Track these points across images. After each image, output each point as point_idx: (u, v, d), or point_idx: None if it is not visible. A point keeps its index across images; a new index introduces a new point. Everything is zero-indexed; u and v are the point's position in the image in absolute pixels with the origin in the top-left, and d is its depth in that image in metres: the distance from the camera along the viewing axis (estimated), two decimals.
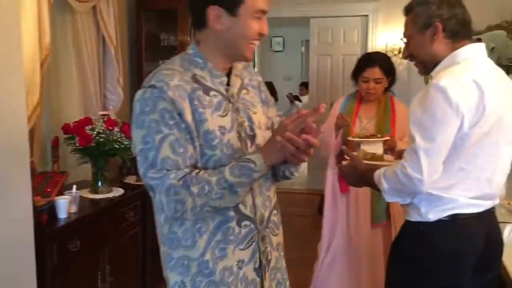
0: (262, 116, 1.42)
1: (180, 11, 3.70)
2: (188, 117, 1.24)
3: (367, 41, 5.31)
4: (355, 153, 2.03)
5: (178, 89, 1.24)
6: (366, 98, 2.68)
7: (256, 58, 5.96)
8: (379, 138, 2.36)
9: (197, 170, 1.25)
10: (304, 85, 7.45)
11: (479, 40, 5.50)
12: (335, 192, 2.63)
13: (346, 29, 5.52)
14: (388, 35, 5.20)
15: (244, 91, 1.39)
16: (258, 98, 1.44)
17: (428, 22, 1.59)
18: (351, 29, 5.48)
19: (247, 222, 1.33)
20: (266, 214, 1.38)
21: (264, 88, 1.48)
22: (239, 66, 1.42)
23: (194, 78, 1.29)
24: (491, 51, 5.90)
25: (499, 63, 5.65)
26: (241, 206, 1.32)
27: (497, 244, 1.69)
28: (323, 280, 2.70)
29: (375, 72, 2.59)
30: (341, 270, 2.66)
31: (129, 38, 3.89)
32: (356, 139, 2.38)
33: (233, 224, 1.31)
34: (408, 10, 1.67)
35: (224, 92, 1.33)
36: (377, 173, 1.64)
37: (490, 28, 5.36)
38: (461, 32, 1.58)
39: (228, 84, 1.35)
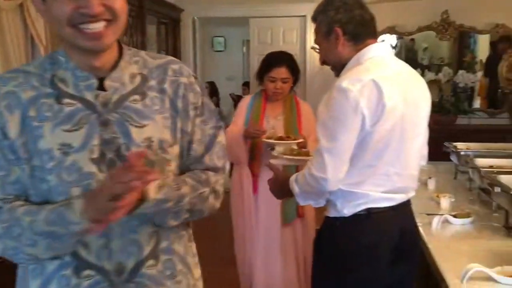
0: (159, 131, 1.06)
1: None
2: (13, 133, 0.99)
3: (305, 41, 5.41)
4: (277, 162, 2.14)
5: (8, 97, 1.00)
6: (273, 97, 2.68)
7: (197, 58, 5.87)
8: (292, 140, 2.45)
9: (19, 202, 1.00)
10: (247, 85, 7.47)
11: (409, 38, 5.75)
12: (245, 194, 2.67)
13: (285, 30, 5.59)
14: None
15: (135, 97, 1.05)
16: (164, 106, 1.08)
17: (329, 28, 1.66)
18: (290, 29, 5.56)
19: (90, 272, 1.01)
20: (130, 264, 1.03)
21: (189, 92, 1.13)
22: (147, 63, 1.11)
23: (52, 82, 1.03)
24: (424, 51, 6.18)
25: (431, 63, 6.00)
26: (81, 249, 1.00)
27: (412, 236, 1.77)
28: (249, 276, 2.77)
29: (282, 72, 2.60)
30: (260, 267, 2.72)
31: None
32: (269, 141, 2.45)
33: (69, 272, 1.01)
34: (313, 19, 1.75)
35: (91, 98, 1.02)
36: (291, 179, 1.69)
37: (420, 29, 5.59)
38: (362, 33, 1.65)
39: (102, 87, 1.04)
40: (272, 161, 2.20)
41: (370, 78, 1.53)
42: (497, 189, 1.94)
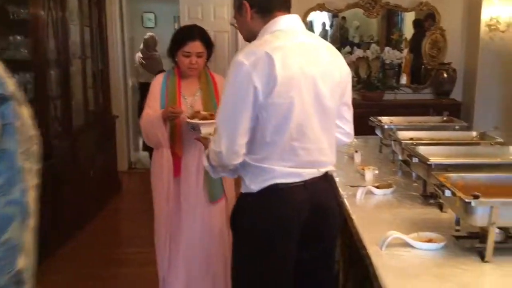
0: None
1: None
2: None
3: None
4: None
5: None
6: (188, 73, 2.55)
7: (125, 36, 5.65)
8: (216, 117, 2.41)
9: None
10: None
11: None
12: (166, 178, 2.54)
13: (216, 6, 5.50)
14: None
15: None
16: None
17: (239, 3, 1.67)
18: (220, 5, 5.47)
19: None
20: None
21: None
22: None
23: None
24: (356, 30, 6.31)
25: (362, 40, 6.14)
26: None
27: (328, 213, 1.74)
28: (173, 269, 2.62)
29: (197, 46, 2.47)
30: (184, 255, 2.59)
31: None
32: (193, 121, 2.38)
33: None
34: None
35: None
36: (204, 153, 1.72)
37: (349, 6, 5.69)
38: (270, 6, 1.63)
39: None
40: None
41: (264, 51, 1.52)
42: (415, 160, 2.02)
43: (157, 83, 2.58)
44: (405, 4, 5.65)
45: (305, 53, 1.60)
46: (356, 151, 2.86)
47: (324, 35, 6.42)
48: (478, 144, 2.40)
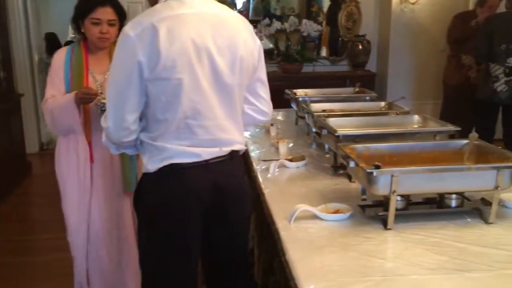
0: None
1: None
2: None
3: None
4: None
5: None
6: (98, 45, 2.22)
7: (28, 5, 5.19)
8: None
9: None
10: None
11: None
12: (82, 165, 2.28)
13: None
14: None
15: None
16: None
17: None
18: None
19: None
20: None
21: None
22: None
23: None
24: (278, 2, 6.25)
25: (283, 13, 6.12)
26: None
27: (232, 195, 1.65)
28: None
29: (108, 12, 2.16)
30: (97, 255, 2.40)
31: None
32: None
33: None
34: None
35: None
36: None
37: None
38: None
39: None
40: None
41: (150, 21, 1.42)
42: (325, 132, 2.03)
43: (59, 57, 2.24)
44: None
45: (201, 25, 1.49)
46: (272, 124, 2.85)
47: (247, 7, 6.34)
48: (385, 114, 2.47)
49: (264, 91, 1.75)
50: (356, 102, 2.74)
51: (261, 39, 5.63)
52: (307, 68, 5.71)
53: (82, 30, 2.21)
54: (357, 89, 3.15)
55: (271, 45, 5.82)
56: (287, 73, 5.63)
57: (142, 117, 1.56)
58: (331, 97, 2.93)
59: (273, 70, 5.78)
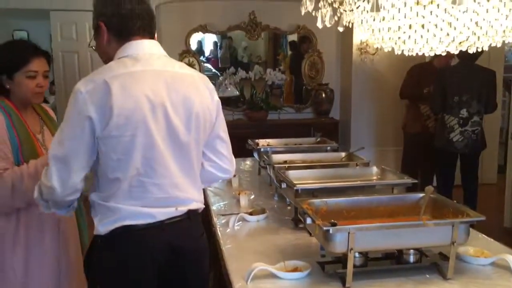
0: None
1: None
2: None
3: None
4: None
5: None
6: (32, 101, 1.98)
7: None
8: None
9: None
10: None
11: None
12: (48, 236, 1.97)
13: (91, 25, 5.21)
14: None
15: None
16: None
17: (96, 23, 1.55)
18: None
19: None
20: None
21: None
22: None
23: None
24: (244, 50, 6.38)
25: (250, 60, 6.23)
26: None
27: (190, 256, 1.58)
28: None
29: (44, 63, 1.95)
30: None
31: None
32: None
33: None
34: None
35: None
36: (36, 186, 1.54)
37: (230, 28, 5.77)
38: (128, 29, 1.51)
39: None
40: None
41: (103, 78, 1.40)
42: (284, 185, 2.02)
43: (1, 126, 1.87)
44: (284, 27, 5.86)
45: (156, 81, 1.47)
46: (234, 175, 2.82)
47: (215, 55, 6.44)
48: (345, 165, 2.49)
49: (225, 148, 1.71)
50: (317, 153, 2.74)
51: (226, 87, 5.70)
52: (272, 116, 5.78)
53: (7, 87, 1.92)
54: (318, 139, 3.18)
55: (237, 92, 5.88)
56: (253, 121, 5.68)
57: (93, 176, 1.50)
58: (292, 148, 2.95)
59: (239, 118, 5.83)
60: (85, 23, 5.18)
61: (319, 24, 1.24)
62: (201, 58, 6.01)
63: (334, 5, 1.20)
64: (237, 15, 5.66)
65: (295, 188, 1.91)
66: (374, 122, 5.77)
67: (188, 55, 5.68)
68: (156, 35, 1.61)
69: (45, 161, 1.69)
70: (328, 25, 1.23)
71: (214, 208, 2.38)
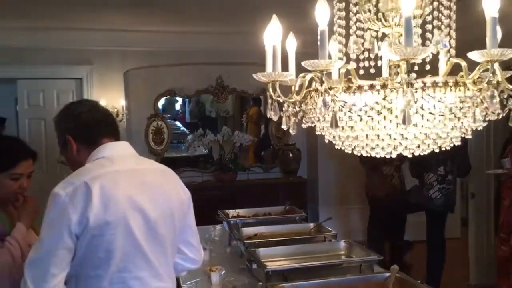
0: None
1: None
2: None
3: None
4: None
5: None
6: (12, 200, 1.93)
7: None
8: None
9: None
10: None
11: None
12: None
13: (60, 92, 5.26)
14: (105, 97, 5.18)
15: None
16: None
17: (63, 138, 1.63)
18: (65, 91, 5.25)
19: None
20: None
21: None
22: None
23: None
24: (212, 104, 6.44)
25: (218, 115, 6.32)
26: None
27: None
28: None
29: (30, 164, 1.92)
30: None
31: None
32: None
33: None
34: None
35: None
36: None
37: (199, 92, 5.89)
38: (94, 135, 1.61)
39: None
40: None
41: (83, 180, 1.46)
42: (255, 266, 2.05)
43: None
44: (250, 90, 6.03)
45: (132, 180, 1.55)
46: (205, 248, 2.82)
47: (183, 110, 6.53)
48: (314, 238, 2.54)
49: (194, 238, 1.78)
50: (286, 225, 2.79)
51: (195, 149, 5.76)
52: (241, 176, 5.83)
53: None
54: (287, 207, 3.24)
55: (205, 151, 5.92)
56: (222, 182, 5.71)
57: (69, 279, 1.50)
58: (262, 220, 2.99)
59: (208, 179, 5.86)
60: (53, 90, 5.23)
61: (284, 127, 1.32)
62: (169, 114, 6.06)
63: (297, 116, 1.30)
64: (204, 80, 5.80)
65: (265, 270, 1.94)
66: (340, 180, 5.91)
67: (157, 119, 5.74)
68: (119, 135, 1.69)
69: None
70: (292, 133, 1.32)
71: (185, 286, 2.36)
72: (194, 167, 5.90)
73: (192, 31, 5.31)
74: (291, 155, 5.91)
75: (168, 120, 5.90)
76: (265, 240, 2.48)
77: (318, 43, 1.09)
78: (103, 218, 1.44)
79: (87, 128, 1.60)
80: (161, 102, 5.90)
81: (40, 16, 4.73)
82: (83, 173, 1.50)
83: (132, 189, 1.52)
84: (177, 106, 6.60)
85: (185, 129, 6.57)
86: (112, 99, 5.20)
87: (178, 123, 6.61)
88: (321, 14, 1.07)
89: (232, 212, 3.13)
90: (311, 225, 2.76)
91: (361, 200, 5.44)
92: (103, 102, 5.02)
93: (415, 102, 1.07)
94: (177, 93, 5.81)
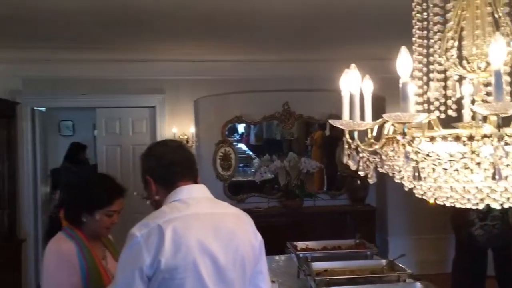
0: None
1: None
2: None
3: (155, 131, 5.39)
4: None
5: None
6: (102, 234, 2.10)
7: (37, 148, 5.34)
8: None
9: None
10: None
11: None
12: None
13: (134, 120, 5.52)
14: (176, 125, 5.37)
15: None
16: None
17: (144, 178, 1.70)
18: (139, 119, 5.50)
19: None
20: None
21: None
22: None
23: None
24: (277, 127, 6.49)
25: (282, 137, 6.33)
26: None
27: None
28: None
29: (122, 202, 2.07)
30: None
31: None
32: None
33: None
34: None
35: None
36: None
37: (265, 118, 5.98)
38: (170, 178, 1.66)
39: None
40: None
41: (157, 223, 1.51)
42: None
43: (71, 254, 1.97)
44: (317, 116, 6.01)
45: (205, 224, 1.58)
46: (273, 281, 2.80)
47: (247, 133, 6.63)
48: (387, 277, 2.45)
49: (265, 283, 1.77)
50: (357, 261, 2.72)
51: (261, 175, 5.79)
52: (307, 203, 5.78)
53: (84, 220, 2.03)
54: (358, 241, 3.16)
55: (271, 176, 5.93)
56: (287, 208, 5.69)
57: None
58: (332, 254, 2.93)
59: (273, 205, 5.86)
60: (129, 118, 5.49)
61: (361, 173, 1.30)
62: (234, 137, 6.15)
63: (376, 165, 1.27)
64: (271, 106, 5.87)
65: None
66: (411, 209, 5.68)
67: (224, 145, 5.86)
68: (199, 178, 1.72)
69: None
70: (371, 182, 1.29)
71: None
72: (260, 193, 5.93)
73: (259, 59, 5.41)
74: (359, 182, 5.79)
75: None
76: (336, 277, 2.43)
77: (400, 95, 1.07)
78: (173, 262, 1.48)
79: (165, 171, 1.66)
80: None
81: (116, 49, 5.03)
82: (158, 216, 1.56)
83: (204, 234, 1.56)
84: (241, 129, 6.69)
85: (251, 153, 6.65)
86: (182, 126, 5.36)
87: (243, 146, 6.69)
88: (404, 66, 1.05)
89: (300, 244, 3.10)
90: (383, 262, 2.66)
91: (436, 229, 5.20)
92: (174, 130, 5.26)
93: (506, 157, 1.01)
94: (244, 120, 5.91)
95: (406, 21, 1.40)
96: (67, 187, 2.06)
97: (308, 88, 5.68)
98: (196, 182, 1.69)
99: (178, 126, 5.36)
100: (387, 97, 4.92)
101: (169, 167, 1.66)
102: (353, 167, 1.25)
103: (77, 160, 6.54)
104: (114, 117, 5.51)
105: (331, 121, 1.34)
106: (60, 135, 8.15)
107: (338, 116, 5.04)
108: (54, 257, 1.99)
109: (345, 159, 1.37)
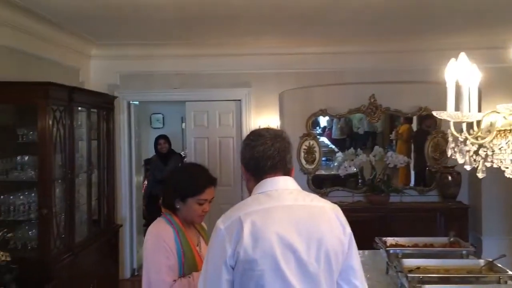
0: None
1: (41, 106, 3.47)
2: None
3: (241, 124, 5.51)
4: None
5: None
6: (195, 221, 2.23)
7: (132, 138, 5.71)
8: None
9: None
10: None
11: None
12: None
13: (221, 113, 5.68)
14: (262, 118, 5.46)
15: None
16: None
17: (241, 164, 1.73)
18: (226, 112, 5.66)
19: None
20: None
21: None
22: None
23: None
24: (360, 121, 6.37)
25: (365, 131, 6.15)
26: None
27: None
28: None
29: (213, 191, 2.19)
30: None
31: None
32: None
33: None
34: None
35: None
36: None
37: (351, 111, 5.87)
38: (258, 170, 1.66)
39: None
40: None
41: (238, 215, 1.55)
42: None
43: (169, 238, 2.12)
44: (405, 110, 5.80)
45: (286, 217, 1.57)
46: None
47: (330, 126, 6.57)
48: (485, 277, 2.32)
49: (357, 278, 1.69)
50: (452, 260, 2.60)
51: (346, 170, 5.71)
52: (393, 198, 5.61)
53: (177, 206, 2.17)
54: (451, 239, 3.01)
55: (355, 170, 5.82)
56: (373, 204, 5.56)
57: None
58: (424, 252, 2.82)
59: (358, 200, 5.75)
60: (216, 111, 5.66)
61: (467, 167, 1.25)
62: (316, 130, 6.12)
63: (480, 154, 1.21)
64: (356, 99, 5.76)
65: None
66: (509, 207, 5.32)
67: (309, 138, 5.84)
68: (293, 170, 1.72)
69: None
70: (481, 176, 1.23)
71: None
72: (344, 187, 5.85)
73: (344, 51, 5.33)
74: (450, 178, 5.51)
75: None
76: (430, 275, 2.34)
77: None
78: (251, 255, 1.50)
79: (255, 163, 1.67)
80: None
81: (205, 45, 5.21)
82: (240, 208, 1.58)
83: (284, 227, 1.54)
84: (323, 122, 6.62)
85: (333, 146, 6.56)
86: (268, 118, 5.43)
87: (325, 140, 6.62)
88: None
89: (390, 240, 3.02)
90: (481, 262, 2.52)
91: None
92: (260, 122, 5.34)
93: None
94: (329, 113, 5.85)
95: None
96: (167, 175, 2.21)
97: (395, 80, 5.50)
98: (286, 173, 1.69)
99: (263, 119, 5.44)
100: (482, 89, 4.62)
101: (259, 160, 1.66)
102: (460, 160, 1.21)
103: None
104: (202, 110, 5.70)
105: (435, 113, 1.30)
106: (151, 127, 8.61)
107: (429, 109, 4.89)
108: (154, 240, 2.12)
109: (449, 152, 1.32)
